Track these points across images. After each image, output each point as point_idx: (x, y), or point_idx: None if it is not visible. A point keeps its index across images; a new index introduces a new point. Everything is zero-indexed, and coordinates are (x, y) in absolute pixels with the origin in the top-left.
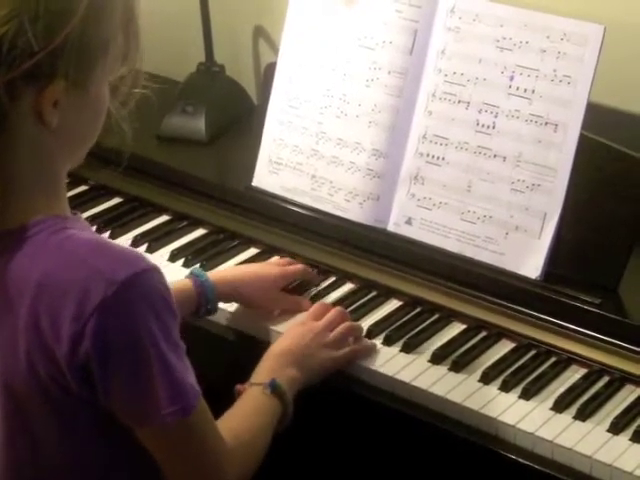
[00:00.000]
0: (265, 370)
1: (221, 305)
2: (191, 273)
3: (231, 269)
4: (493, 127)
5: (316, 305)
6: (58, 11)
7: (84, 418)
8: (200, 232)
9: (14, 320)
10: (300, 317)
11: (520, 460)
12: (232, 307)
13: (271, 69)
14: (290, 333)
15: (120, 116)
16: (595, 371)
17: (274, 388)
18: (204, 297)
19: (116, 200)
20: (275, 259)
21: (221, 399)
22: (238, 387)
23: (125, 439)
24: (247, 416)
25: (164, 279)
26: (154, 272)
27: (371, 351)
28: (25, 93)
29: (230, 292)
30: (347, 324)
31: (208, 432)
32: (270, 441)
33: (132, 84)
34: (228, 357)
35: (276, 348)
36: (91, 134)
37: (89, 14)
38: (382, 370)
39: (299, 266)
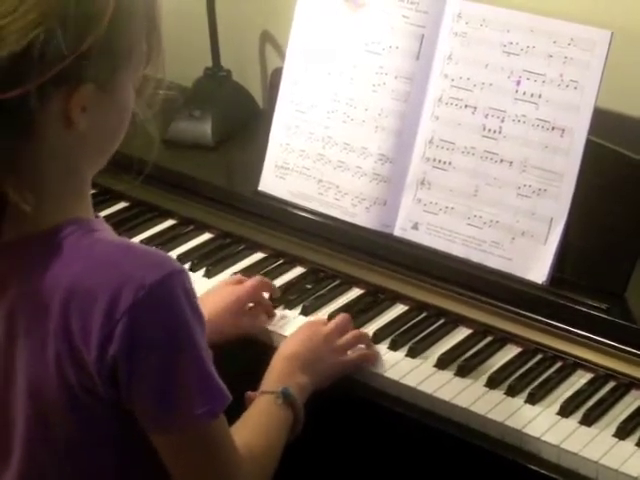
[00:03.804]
0: (275, 376)
1: None
2: None
3: None
4: (499, 132)
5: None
6: (86, 15)
7: (108, 426)
8: (206, 236)
9: (44, 324)
10: (307, 320)
11: (526, 465)
12: None
13: (278, 74)
14: (299, 335)
15: (145, 119)
16: (601, 376)
17: (286, 397)
18: None
19: (122, 204)
20: (227, 280)
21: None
22: (249, 394)
23: (146, 449)
24: (260, 429)
25: (191, 282)
26: (183, 274)
27: (377, 357)
28: (54, 97)
29: None
30: (356, 331)
31: (226, 442)
32: (281, 453)
33: (155, 86)
34: (233, 360)
35: (285, 351)
36: (116, 138)
37: (116, 18)
38: (388, 374)
39: (250, 282)
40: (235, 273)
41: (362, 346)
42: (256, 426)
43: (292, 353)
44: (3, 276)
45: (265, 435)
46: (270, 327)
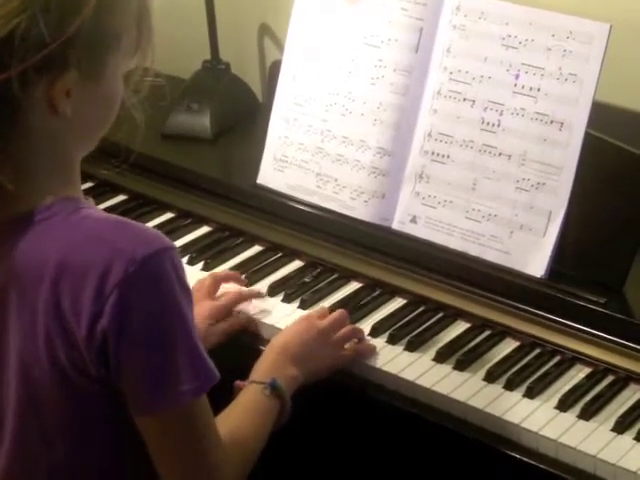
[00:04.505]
0: (266, 367)
1: None
2: None
3: None
4: (498, 125)
5: (319, 309)
6: (70, 3)
7: (98, 405)
8: (205, 229)
9: (33, 304)
10: (304, 315)
11: (524, 459)
12: None
13: (276, 67)
14: (294, 328)
15: (132, 104)
16: (599, 370)
17: (274, 388)
18: None
19: (121, 197)
20: (206, 288)
21: (218, 396)
22: (238, 383)
23: (134, 436)
24: (245, 417)
25: (180, 258)
26: (173, 250)
27: (372, 353)
28: (38, 84)
29: None
30: (351, 326)
31: (208, 424)
32: (266, 442)
33: (144, 73)
34: (229, 354)
35: (278, 343)
36: (105, 123)
37: (101, 5)
38: (386, 368)
39: (229, 297)
40: (231, 268)
41: (355, 340)
42: (242, 414)
43: (284, 345)
44: None
45: (250, 423)
46: (268, 321)
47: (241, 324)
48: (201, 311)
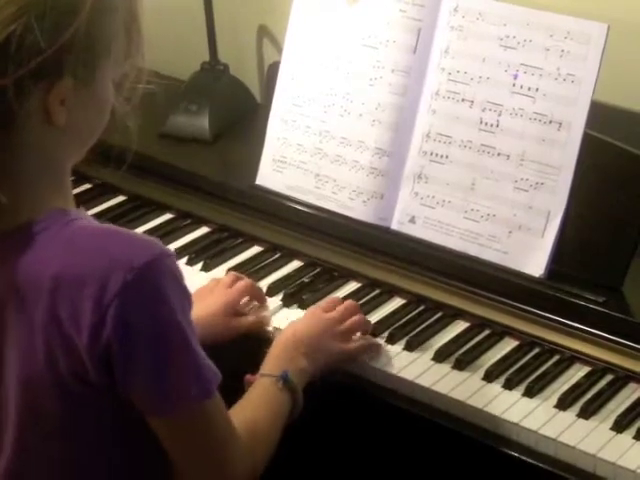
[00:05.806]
0: (276, 359)
1: None
2: None
3: None
4: (497, 125)
5: (329, 298)
6: (64, 9)
7: (98, 413)
8: (204, 230)
9: (30, 317)
10: (312, 308)
11: (523, 458)
12: None
13: (275, 68)
14: (303, 320)
15: (124, 112)
16: (599, 369)
17: (286, 381)
18: None
19: (120, 198)
20: (223, 281)
21: (227, 391)
22: (248, 377)
23: (138, 436)
24: (259, 409)
25: (177, 263)
26: (171, 256)
27: (378, 348)
28: (33, 91)
29: None
30: (358, 317)
31: (222, 421)
32: (280, 435)
33: (135, 80)
34: (230, 353)
35: (288, 335)
36: (96, 131)
37: (94, 12)
38: (385, 368)
39: (242, 283)
40: (230, 268)
41: (359, 334)
42: (256, 407)
43: (294, 337)
44: None
45: (264, 416)
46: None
47: (264, 321)
48: (217, 307)
